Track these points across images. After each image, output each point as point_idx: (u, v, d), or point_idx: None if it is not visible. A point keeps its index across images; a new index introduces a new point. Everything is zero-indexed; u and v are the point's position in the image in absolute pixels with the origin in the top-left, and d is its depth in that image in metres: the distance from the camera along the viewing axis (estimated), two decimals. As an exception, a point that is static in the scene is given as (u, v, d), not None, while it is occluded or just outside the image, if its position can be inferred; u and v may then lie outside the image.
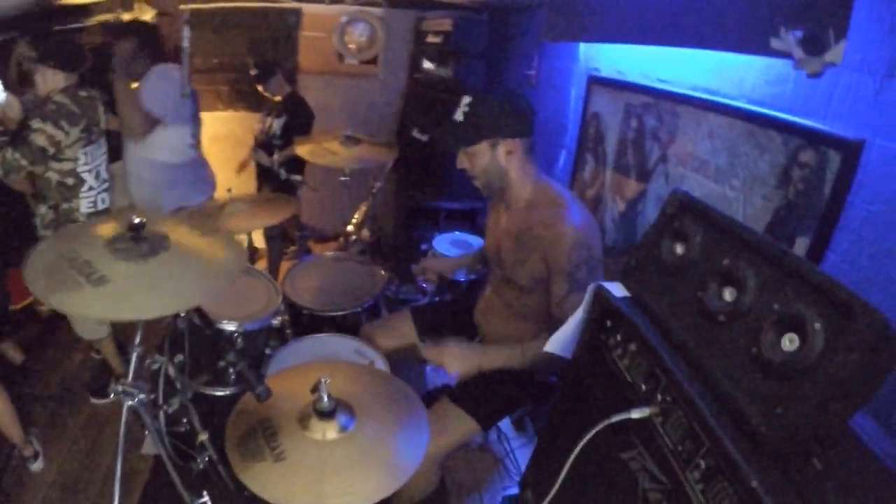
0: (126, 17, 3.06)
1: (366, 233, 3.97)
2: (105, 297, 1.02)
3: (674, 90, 1.66)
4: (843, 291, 0.67)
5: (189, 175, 2.56)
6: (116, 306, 1.04)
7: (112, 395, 1.78)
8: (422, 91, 3.63)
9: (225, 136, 3.76)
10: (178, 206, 2.40)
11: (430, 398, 1.65)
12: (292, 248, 3.88)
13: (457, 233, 3.36)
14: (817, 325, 0.68)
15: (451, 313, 1.86)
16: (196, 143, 2.60)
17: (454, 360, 1.44)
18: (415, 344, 1.81)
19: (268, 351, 1.79)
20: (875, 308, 0.62)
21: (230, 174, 3.26)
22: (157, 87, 2.26)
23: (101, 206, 2.11)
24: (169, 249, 1.14)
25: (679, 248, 1.00)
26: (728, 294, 0.86)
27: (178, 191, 2.49)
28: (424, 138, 3.35)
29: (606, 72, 2.07)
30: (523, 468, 2.38)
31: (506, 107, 1.40)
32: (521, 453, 2.35)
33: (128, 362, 1.26)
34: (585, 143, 2.23)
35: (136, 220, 1.11)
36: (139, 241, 1.11)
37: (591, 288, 1.14)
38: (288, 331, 1.91)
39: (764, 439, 0.71)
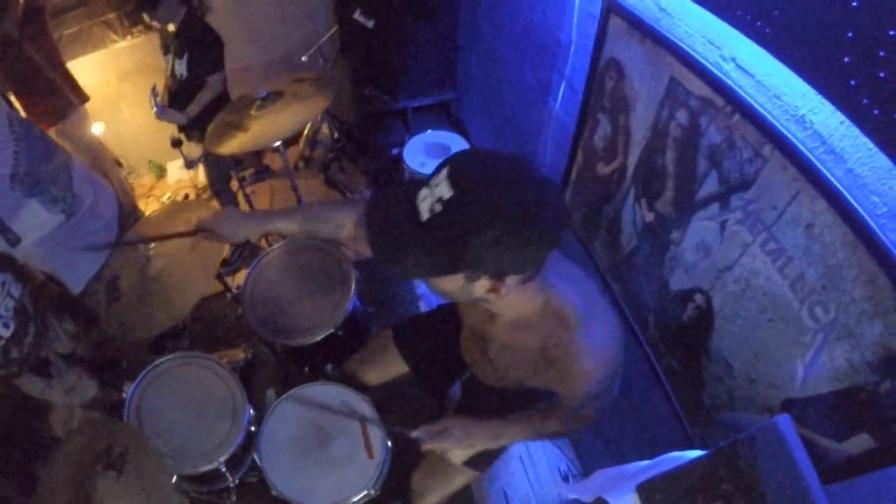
0: None
1: (326, 129, 3.33)
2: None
3: (764, 112, 1.00)
4: None
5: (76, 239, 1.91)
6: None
7: None
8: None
9: (135, 69, 3.09)
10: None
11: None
12: (247, 171, 3.22)
13: (429, 132, 2.79)
14: None
15: (439, 338, 1.59)
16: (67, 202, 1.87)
17: (459, 446, 1.25)
18: (405, 374, 1.67)
19: (252, 428, 1.65)
20: None
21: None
22: None
23: (6, 333, 1.62)
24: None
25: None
26: None
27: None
28: (370, 24, 2.48)
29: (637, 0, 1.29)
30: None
31: (514, 235, 0.79)
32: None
33: None
34: (598, 96, 1.55)
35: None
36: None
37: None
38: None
39: None
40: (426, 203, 0.82)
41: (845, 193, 0.88)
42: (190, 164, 2.51)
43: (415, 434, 1.23)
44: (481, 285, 0.90)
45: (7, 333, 1.62)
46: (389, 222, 0.86)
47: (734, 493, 0.77)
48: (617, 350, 1.03)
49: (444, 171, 0.81)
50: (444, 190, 0.79)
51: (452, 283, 0.90)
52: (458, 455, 1.24)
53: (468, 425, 1.21)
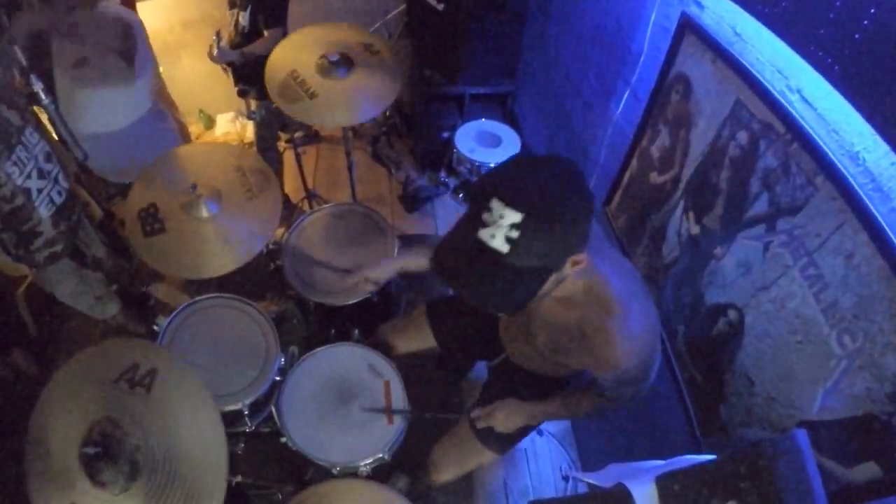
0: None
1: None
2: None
3: (821, 144, 1.10)
4: None
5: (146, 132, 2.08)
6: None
7: None
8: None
9: (200, 19, 3.22)
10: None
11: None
12: (298, 133, 3.35)
13: (483, 121, 2.92)
14: None
15: (473, 321, 1.68)
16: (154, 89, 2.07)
17: (503, 422, 1.46)
18: (433, 349, 1.79)
19: (277, 378, 1.73)
20: None
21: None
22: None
23: (59, 200, 1.76)
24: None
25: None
26: None
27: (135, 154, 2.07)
28: (440, 6, 2.60)
29: (713, 20, 1.39)
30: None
31: (576, 214, 0.89)
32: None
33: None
34: (662, 107, 1.64)
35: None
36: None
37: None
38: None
39: None
40: (498, 238, 0.85)
41: (888, 230, 0.97)
42: (251, 115, 2.64)
43: (473, 413, 1.50)
44: (566, 268, 0.96)
45: (60, 200, 1.75)
46: (475, 275, 0.90)
47: (751, 491, 0.84)
48: (653, 341, 1.14)
49: (496, 203, 0.85)
50: (511, 217, 0.83)
51: (548, 286, 0.96)
52: (504, 426, 1.46)
53: (511, 407, 1.45)
